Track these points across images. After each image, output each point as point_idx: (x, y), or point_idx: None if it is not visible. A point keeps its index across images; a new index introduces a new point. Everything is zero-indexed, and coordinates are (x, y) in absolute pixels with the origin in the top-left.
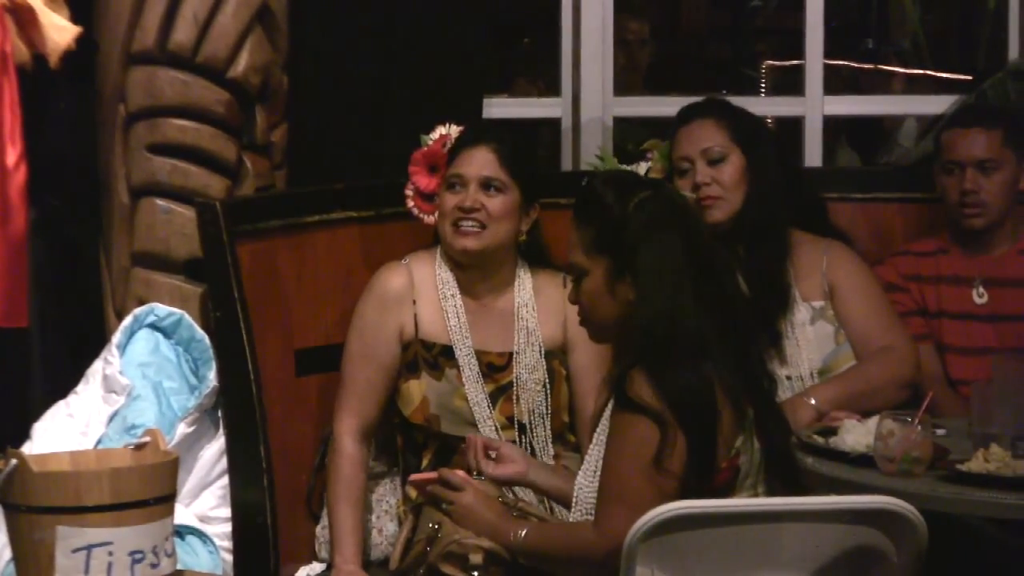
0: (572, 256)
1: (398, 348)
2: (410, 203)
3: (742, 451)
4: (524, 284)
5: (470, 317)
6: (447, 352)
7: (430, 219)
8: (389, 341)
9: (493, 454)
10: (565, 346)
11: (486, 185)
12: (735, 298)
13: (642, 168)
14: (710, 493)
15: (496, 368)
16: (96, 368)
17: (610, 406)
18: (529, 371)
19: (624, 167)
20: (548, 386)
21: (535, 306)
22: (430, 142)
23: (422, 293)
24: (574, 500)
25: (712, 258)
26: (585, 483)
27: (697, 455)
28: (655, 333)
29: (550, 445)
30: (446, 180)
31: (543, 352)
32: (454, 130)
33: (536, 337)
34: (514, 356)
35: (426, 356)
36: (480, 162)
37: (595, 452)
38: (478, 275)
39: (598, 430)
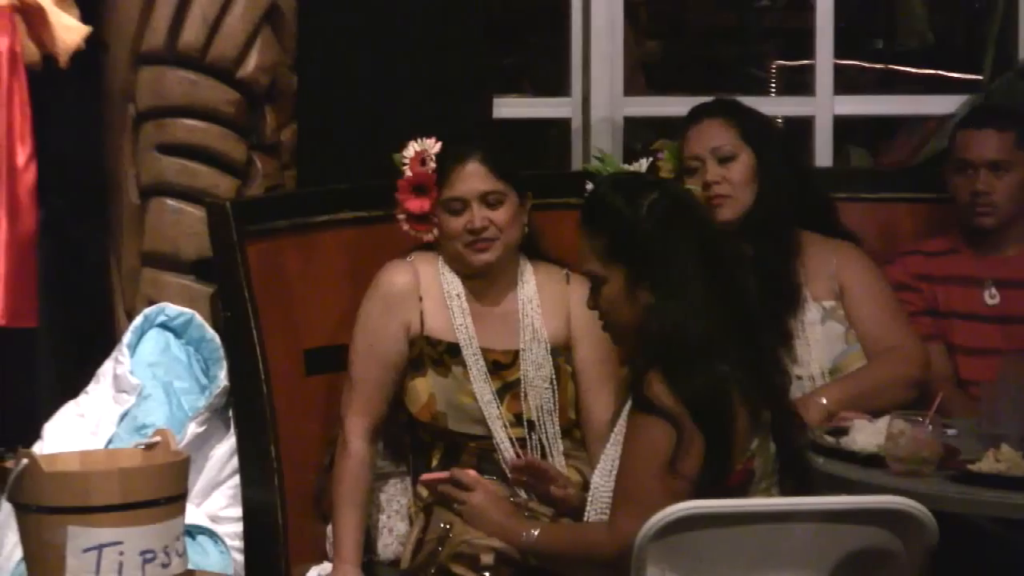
0: (587, 265)
1: (405, 346)
2: (405, 227)
3: (757, 454)
4: (527, 281)
5: (475, 316)
6: (453, 350)
7: (429, 237)
8: (396, 339)
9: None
10: (569, 342)
11: (486, 200)
12: (747, 291)
13: (643, 165)
14: (723, 495)
15: (502, 366)
16: (106, 368)
17: (627, 407)
18: (536, 368)
19: (626, 167)
20: (555, 383)
21: (539, 303)
22: (406, 161)
23: (427, 291)
24: (589, 499)
25: (723, 252)
26: (601, 482)
27: (712, 458)
28: (672, 335)
29: (559, 441)
30: (444, 204)
31: (549, 349)
32: (428, 144)
33: (541, 335)
34: (520, 354)
35: (431, 353)
36: (474, 179)
37: (612, 451)
38: (488, 280)
39: (615, 430)
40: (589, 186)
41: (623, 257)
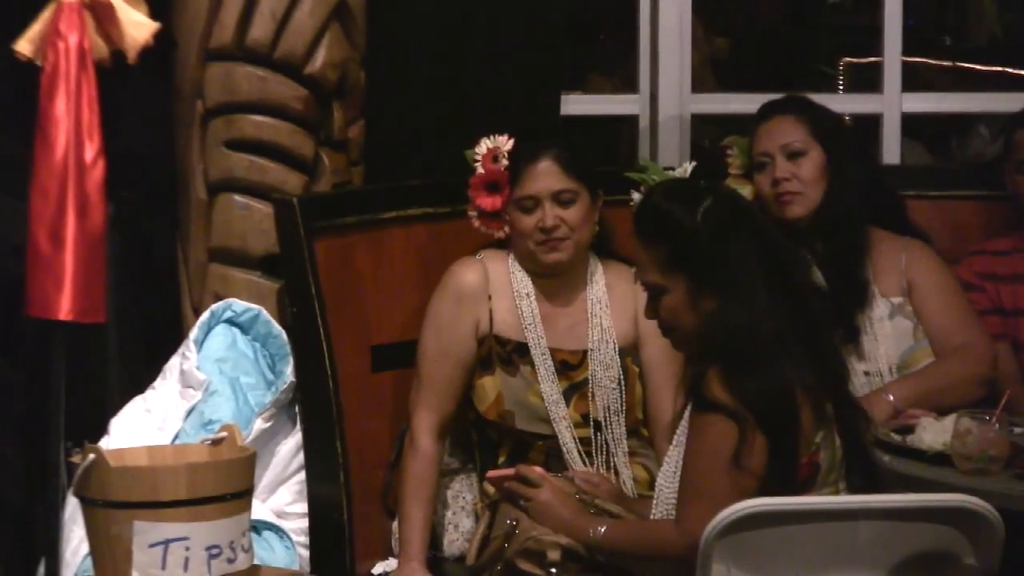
0: (646, 276)
1: (474, 343)
2: (476, 224)
3: (822, 447)
4: (597, 281)
5: (544, 316)
6: (521, 349)
7: (500, 234)
8: (465, 336)
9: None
10: (637, 342)
11: (559, 199)
12: (805, 287)
13: (687, 169)
14: (791, 489)
15: (570, 366)
16: (173, 363)
17: (689, 407)
18: (604, 368)
19: (668, 173)
20: (622, 383)
21: (608, 303)
22: (478, 157)
23: (497, 289)
24: (655, 500)
25: (780, 250)
26: (665, 484)
27: (777, 453)
28: (736, 336)
29: (624, 441)
30: (516, 202)
31: (617, 349)
32: (501, 141)
33: (610, 335)
34: (589, 354)
35: (500, 352)
36: (547, 177)
37: (675, 452)
38: (558, 280)
39: (678, 431)
40: (635, 196)
41: (684, 266)
